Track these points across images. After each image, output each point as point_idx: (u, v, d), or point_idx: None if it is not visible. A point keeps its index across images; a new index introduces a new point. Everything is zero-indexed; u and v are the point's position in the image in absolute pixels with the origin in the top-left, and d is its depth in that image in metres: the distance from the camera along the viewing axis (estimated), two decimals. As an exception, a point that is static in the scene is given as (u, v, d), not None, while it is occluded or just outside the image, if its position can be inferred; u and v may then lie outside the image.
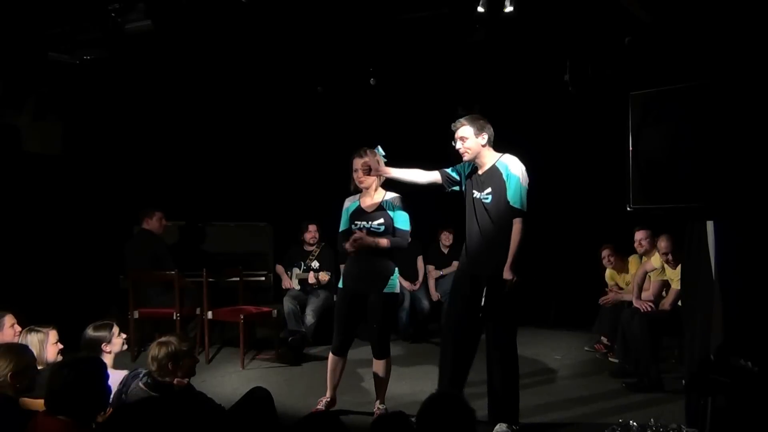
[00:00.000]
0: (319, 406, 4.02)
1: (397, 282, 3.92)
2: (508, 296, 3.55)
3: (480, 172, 3.72)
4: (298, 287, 6.03)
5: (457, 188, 3.85)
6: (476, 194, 3.70)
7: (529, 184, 3.64)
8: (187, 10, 4.35)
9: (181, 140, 6.83)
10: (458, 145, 3.69)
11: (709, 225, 3.30)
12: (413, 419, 2.33)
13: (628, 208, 3.18)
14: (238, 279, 5.87)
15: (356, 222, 3.92)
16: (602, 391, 4.57)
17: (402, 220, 3.91)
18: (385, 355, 3.94)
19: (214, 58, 5.51)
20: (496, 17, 4.20)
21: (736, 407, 3.00)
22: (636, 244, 5.27)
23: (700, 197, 2.95)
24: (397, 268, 3.94)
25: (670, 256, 4.75)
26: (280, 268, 6.32)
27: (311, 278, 5.95)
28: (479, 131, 3.65)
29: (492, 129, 3.70)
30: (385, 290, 3.86)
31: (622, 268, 5.65)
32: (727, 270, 3.23)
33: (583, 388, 4.65)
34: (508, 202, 3.59)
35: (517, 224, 3.58)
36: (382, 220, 3.87)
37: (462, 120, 3.68)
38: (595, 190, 6.50)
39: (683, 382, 3.68)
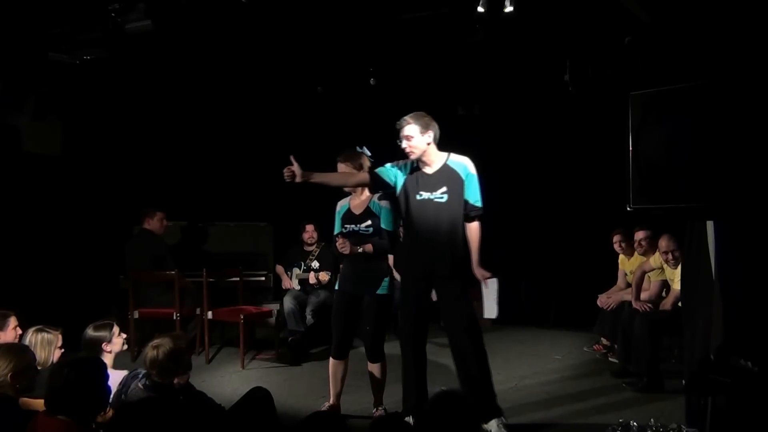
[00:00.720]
0: (322, 409, 4.00)
1: (391, 283, 3.88)
2: (465, 292, 3.59)
3: (429, 171, 3.65)
4: (298, 287, 6.03)
5: (380, 192, 3.80)
6: (425, 194, 3.61)
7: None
8: (187, 10, 4.36)
9: (181, 140, 6.83)
10: (404, 144, 3.60)
11: (709, 225, 3.30)
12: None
13: (628, 208, 3.18)
14: (238, 279, 5.87)
15: (346, 226, 3.90)
16: (602, 391, 4.57)
17: (386, 220, 3.85)
18: (379, 358, 3.90)
19: (214, 58, 5.52)
20: (496, 17, 4.20)
21: (736, 407, 3.00)
22: (636, 245, 5.26)
23: (700, 197, 2.95)
24: (390, 269, 3.91)
25: (670, 255, 4.72)
26: (280, 269, 6.32)
27: (312, 278, 5.95)
28: (425, 129, 3.57)
29: (437, 127, 3.63)
30: (378, 292, 3.82)
31: (632, 252, 5.61)
32: (727, 270, 3.23)
33: (584, 388, 4.64)
34: (467, 202, 3.60)
35: (477, 222, 3.64)
36: (369, 222, 3.84)
37: (407, 118, 3.59)
38: (595, 190, 6.50)
39: (683, 382, 3.68)
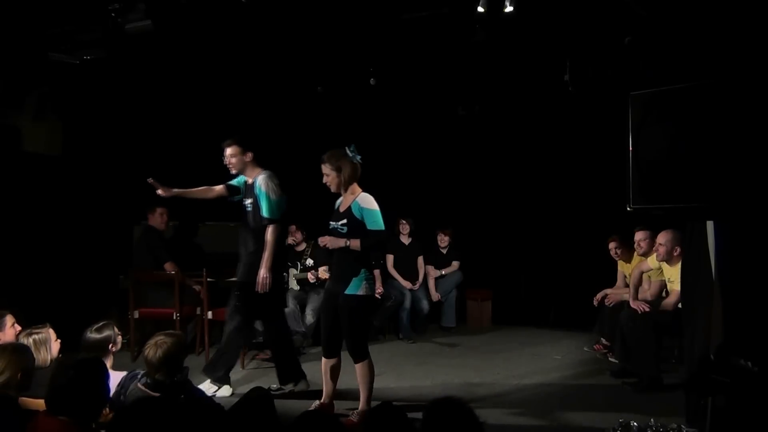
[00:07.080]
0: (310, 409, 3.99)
1: (362, 284, 3.81)
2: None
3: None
4: (297, 287, 6.03)
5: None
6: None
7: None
8: (187, 10, 4.36)
9: (180, 140, 6.82)
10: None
11: (709, 225, 3.30)
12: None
13: (628, 208, 3.18)
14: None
15: (330, 222, 3.98)
16: (602, 391, 4.57)
17: (371, 221, 3.83)
18: (361, 357, 3.86)
19: (214, 58, 5.51)
20: (496, 17, 4.21)
21: (736, 407, 3.00)
22: (635, 245, 5.26)
23: (700, 197, 2.95)
24: (364, 270, 3.84)
25: (662, 249, 4.68)
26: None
27: (311, 277, 5.95)
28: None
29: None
30: (347, 291, 3.80)
31: (628, 259, 5.60)
32: (727, 270, 3.23)
33: (583, 388, 4.65)
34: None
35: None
36: (345, 221, 3.85)
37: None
38: (595, 190, 6.50)
39: (683, 382, 3.67)
